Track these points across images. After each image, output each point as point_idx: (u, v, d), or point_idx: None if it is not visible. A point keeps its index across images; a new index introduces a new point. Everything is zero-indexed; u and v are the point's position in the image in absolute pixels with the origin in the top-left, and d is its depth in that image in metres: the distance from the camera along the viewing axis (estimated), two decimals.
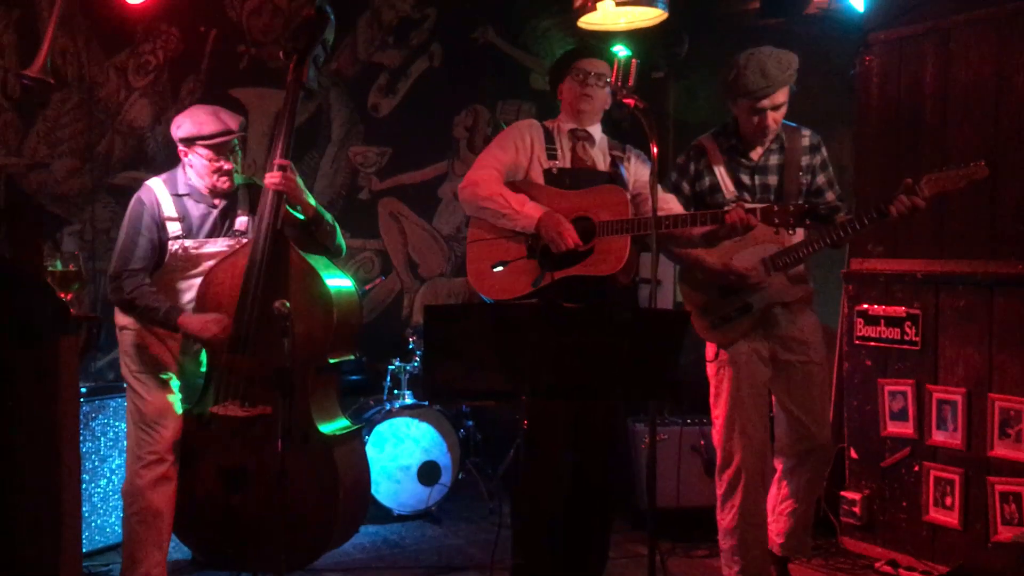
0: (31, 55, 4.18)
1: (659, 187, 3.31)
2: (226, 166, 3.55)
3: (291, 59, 3.65)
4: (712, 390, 3.64)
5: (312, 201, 3.63)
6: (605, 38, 5.04)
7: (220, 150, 3.52)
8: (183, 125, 3.53)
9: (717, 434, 3.62)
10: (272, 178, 3.53)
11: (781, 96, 3.43)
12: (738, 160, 3.58)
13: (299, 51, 3.63)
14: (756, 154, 3.58)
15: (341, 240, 3.79)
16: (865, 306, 4.32)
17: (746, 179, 3.57)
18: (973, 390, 3.95)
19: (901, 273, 4.17)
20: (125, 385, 3.65)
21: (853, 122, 4.49)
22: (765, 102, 3.41)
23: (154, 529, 3.50)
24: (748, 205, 3.22)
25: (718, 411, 3.60)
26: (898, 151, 4.22)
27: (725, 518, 3.60)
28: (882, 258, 4.28)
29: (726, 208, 3.26)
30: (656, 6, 4.76)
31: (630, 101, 3.07)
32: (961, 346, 4.00)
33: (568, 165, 3.60)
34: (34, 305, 2.85)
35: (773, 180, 3.57)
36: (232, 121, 3.55)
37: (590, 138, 3.67)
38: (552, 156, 3.59)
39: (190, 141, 3.51)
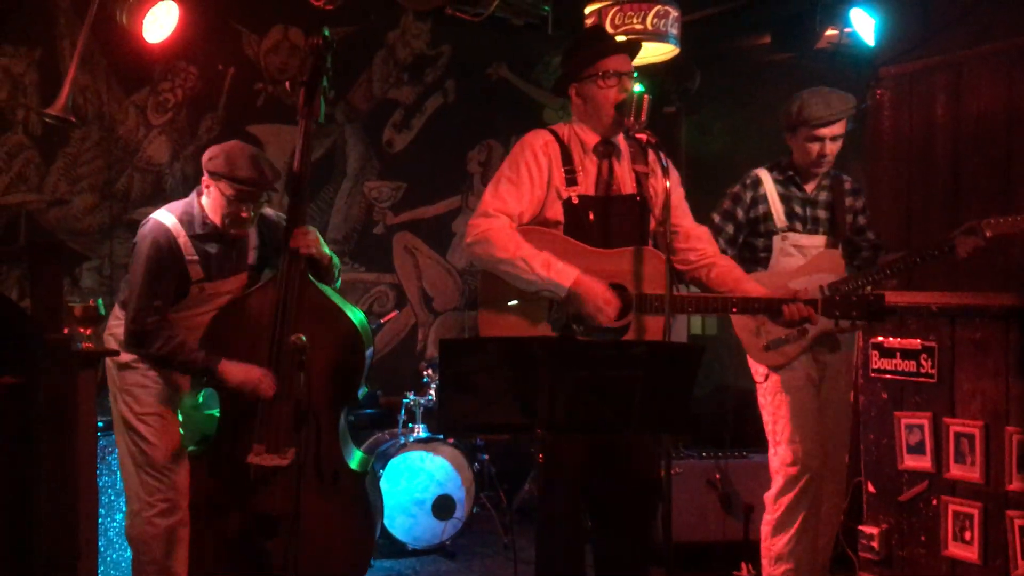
0: (52, 94, 4.27)
1: (690, 219, 3.30)
2: (244, 215, 3.37)
3: (299, 90, 3.51)
4: (769, 415, 3.76)
5: (327, 250, 3.53)
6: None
7: (245, 197, 3.35)
8: (217, 159, 3.33)
9: (778, 460, 3.72)
10: (301, 244, 3.38)
11: (840, 127, 3.67)
12: (792, 191, 3.78)
13: (306, 83, 3.50)
14: (809, 187, 3.80)
15: (339, 278, 3.71)
16: (880, 339, 4.30)
17: (798, 209, 3.77)
18: (991, 423, 3.92)
19: (916, 306, 4.15)
20: (123, 427, 3.48)
21: (865, 155, 4.51)
22: (826, 130, 3.63)
23: None
24: (807, 298, 3.07)
25: (778, 437, 3.72)
26: (910, 183, 4.24)
27: (777, 544, 3.68)
28: (896, 291, 4.27)
29: (785, 298, 3.08)
30: (667, 42, 4.82)
31: (643, 136, 3.09)
32: (978, 379, 3.98)
33: (591, 191, 3.12)
34: (52, 340, 2.88)
35: (823, 214, 3.79)
36: (269, 171, 3.37)
37: (618, 151, 3.19)
38: (572, 180, 3.10)
39: (218, 176, 3.33)
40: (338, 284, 3.69)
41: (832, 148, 3.69)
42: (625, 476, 3.11)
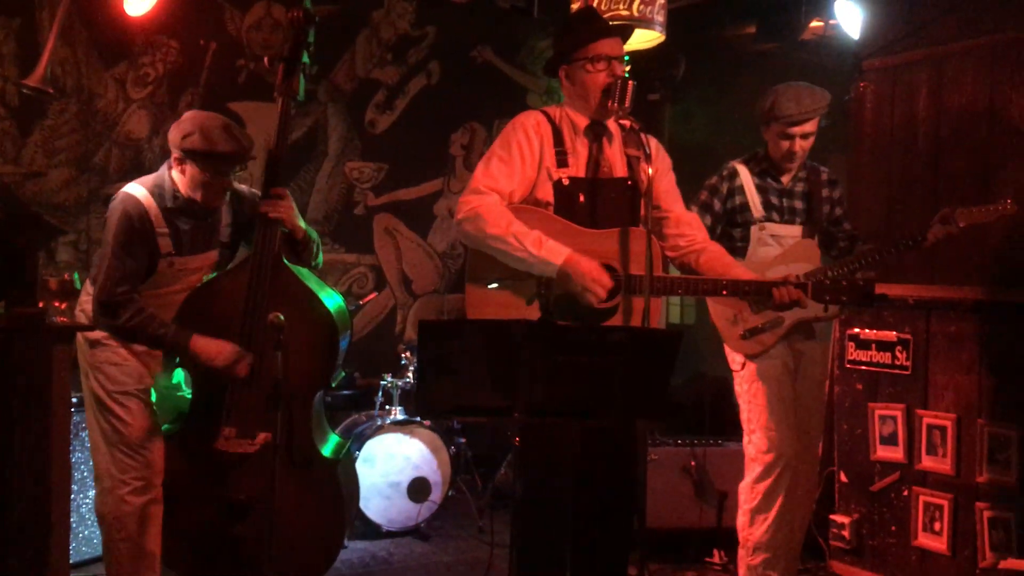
0: (30, 65, 4.20)
1: (680, 206, 3.30)
2: (225, 184, 3.35)
3: (277, 66, 3.43)
4: (745, 403, 3.80)
5: (303, 224, 3.47)
6: None
7: (224, 171, 3.34)
8: (192, 135, 3.26)
9: (753, 447, 3.75)
10: (270, 208, 3.33)
11: (811, 126, 3.72)
12: (768, 183, 3.83)
13: (285, 58, 3.40)
14: (785, 179, 3.84)
15: (321, 256, 3.66)
16: (856, 330, 4.34)
17: (775, 200, 3.82)
18: (963, 416, 3.97)
19: (892, 298, 4.19)
20: (94, 404, 3.43)
21: (848, 147, 4.53)
22: (796, 129, 3.69)
23: (146, 558, 3.38)
24: (797, 281, 3.08)
25: (753, 425, 3.75)
26: (891, 176, 4.26)
27: (755, 532, 3.72)
28: (874, 281, 4.30)
29: (776, 281, 3.10)
30: (653, 28, 4.81)
31: (626, 122, 3.09)
32: (951, 372, 4.02)
33: (582, 173, 3.11)
34: (27, 314, 2.85)
35: (799, 205, 3.84)
36: (244, 140, 3.34)
37: (608, 133, 3.17)
38: (562, 162, 3.09)
39: (195, 154, 3.27)
40: (320, 262, 3.65)
41: (803, 145, 3.74)
42: (604, 461, 3.11)
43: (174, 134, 3.33)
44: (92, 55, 4.85)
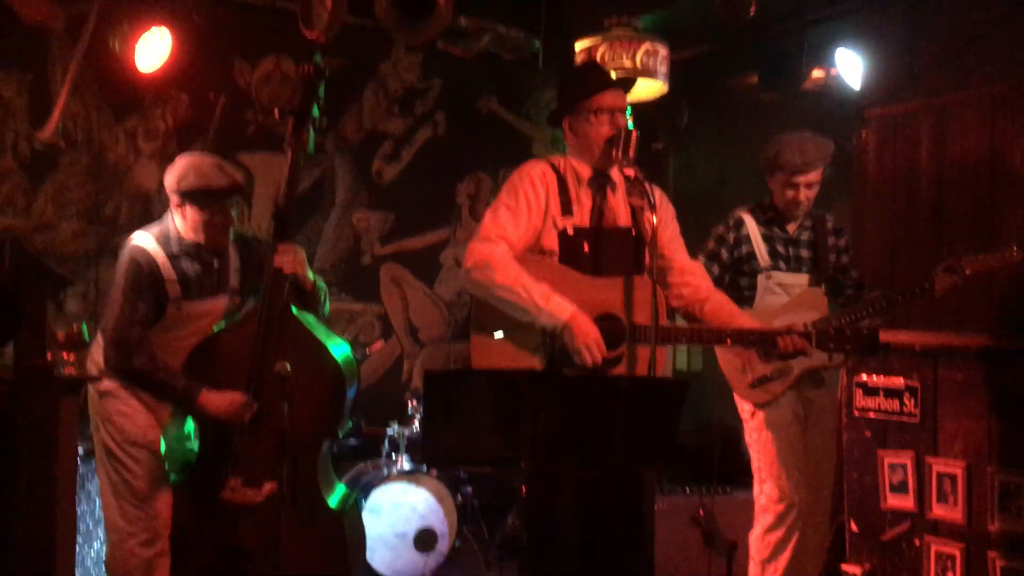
0: (42, 118, 4.28)
1: (685, 255, 3.31)
2: (226, 223, 3.41)
3: (287, 120, 3.48)
4: (755, 452, 3.80)
5: (311, 275, 3.51)
6: None
7: (224, 206, 3.38)
8: (187, 177, 3.33)
9: (765, 496, 3.75)
10: (285, 263, 3.35)
11: (815, 175, 3.74)
12: (774, 232, 3.86)
13: (295, 112, 3.46)
14: (791, 228, 3.87)
15: (328, 306, 3.67)
16: (864, 377, 4.31)
17: (781, 249, 3.84)
18: (973, 463, 3.93)
19: (899, 345, 4.18)
20: (104, 455, 3.45)
21: (850, 194, 4.56)
22: (801, 178, 3.72)
23: None
24: (802, 330, 3.09)
25: (764, 474, 3.75)
26: (895, 223, 4.28)
27: None
28: (880, 329, 4.29)
29: (779, 330, 3.10)
30: (656, 79, 4.88)
31: (630, 172, 3.11)
32: (960, 419, 3.99)
33: (586, 223, 3.13)
34: (35, 365, 2.86)
35: (806, 253, 3.86)
36: (238, 175, 3.42)
37: (612, 183, 3.19)
38: (567, 211, 3.12)
39: (192, 194, 3.33)
40: (327, 311, 3.67)
41: (807, 194, 3.77)
42: (612, 511, 3.08)
43: (169, 179, 3.39)
44: (103, 108, 4.93)
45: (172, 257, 3.40)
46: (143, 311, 3.33)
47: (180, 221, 3.43)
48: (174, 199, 3.40)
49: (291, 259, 3.38)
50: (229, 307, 3.55)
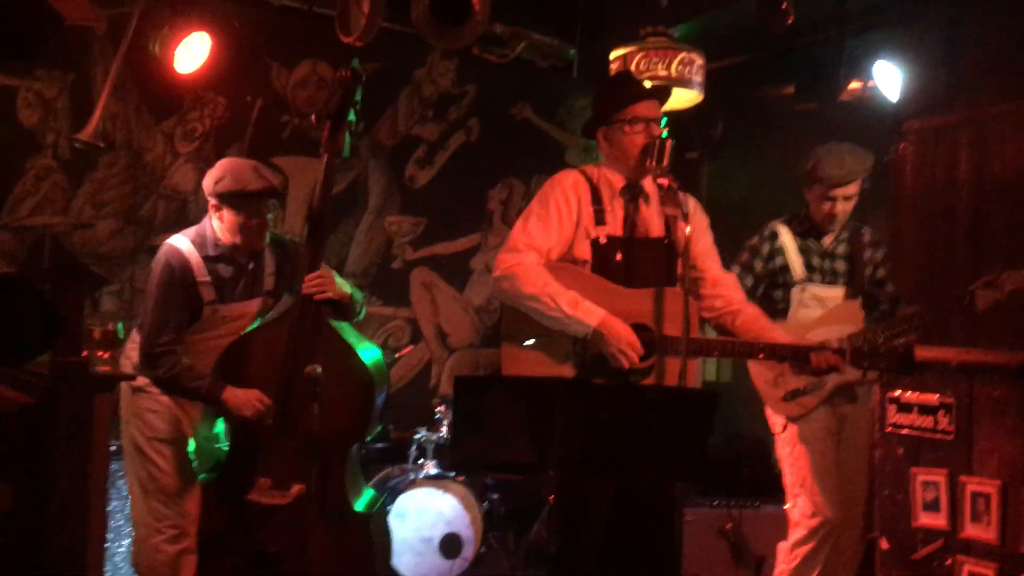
0: (83, 118, 4.33)
1: (718, 266, 3.29)
2: (261, 227, 3.45)
3: (324, 124, 3.52)
4: (787, 467, 3.77)
5: (347, 289, 3.52)
6: None
7: (261, 208, 3.42)
8: (223, 180, 3.38)
9: (797, 511, 3.72)
10: (316, 290, 3.36)
11: (853, 188, 3.71)
12: (810, 244, 3.82)
13: (332, 115, 3.50)
14: (827, 240, 3.84)
15: (363, 311, 3.71)
16: (898, 393, 4.26)
17: (816, 262, 3.81)
18: (1008, 482, 3.87)
19: (934, 361, 4.13)
20: (133, 451, 3.50)
21: (887, 208, 4.51)
22: (838, 191, 3.69)
23: None
24: (836, 347, 3.06)
25: (797, 488, 3.72)
26: (932, 237, 4.22)
27: None
28: (915, 345, 4.24)
29: (813, 346, 3.08)
30: (692, 88, 4.86)
31: (664, 181, 3.10)
32: (996, 437, 3.93)
33: (619, 232, 3.14)
34: (71, 363, 2.90)
35: (841, 267, 3.83)
36: (274, 178, 3.45)
37: (645, 194, 3.21)
38: (600, 220, 3.12)
39: (229, 196, 3.38)
40: (362, 315, 3.70)
41: (844, 207, 3.74)
42: (640, 521, 3.08)
43: (207, 182, 3.45)
44: (142, 110, 4.98)
45: (207, 259, 3.44)
46: (175, 317, 3.38)
47: (217, 224, 3.47)
48: (212, 201, 3.45)
49: (319, 285, 3.37)
50: (262, 309, 3.58)
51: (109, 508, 3.95)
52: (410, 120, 5.91)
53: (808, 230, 3.83)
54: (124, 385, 3.48)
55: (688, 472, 2.76)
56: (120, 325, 3.33)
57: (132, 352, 3.50)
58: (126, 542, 4.10)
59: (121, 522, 4.08)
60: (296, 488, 3.28)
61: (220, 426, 3.65)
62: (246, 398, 3.34)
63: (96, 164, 4.84)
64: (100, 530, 3.07)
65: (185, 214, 5.11)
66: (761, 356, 3.09)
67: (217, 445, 3.65)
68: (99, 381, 3.03)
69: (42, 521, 2.77)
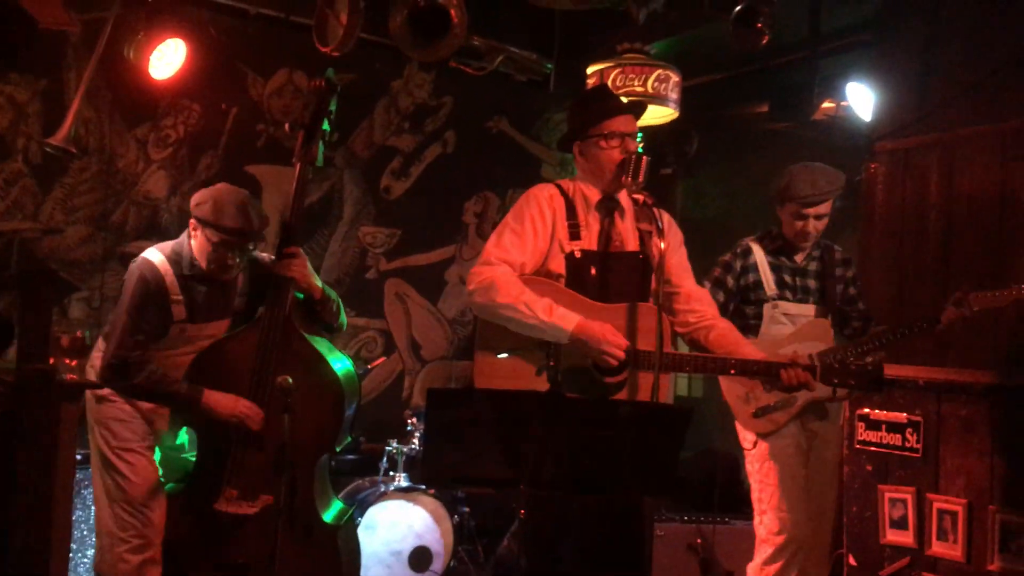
0: (55, 123, 4.29)
1: (692, 281, 3.30)
2: (228, 261, 3.40)
3: (297, 133, 3.51)
4: (756, 483, 3.78)
5: (319, 283, 3.53)
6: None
7: (230, 245, 3.37)
8: (204, 205, 3.36)
9: (764, 528, 3.73)
10: (283, 267, 3.39)
11: (825, 207, 3.74)
12: (782, 261, 3.85)
13: (306, 125, 3.49)
14: (799, 258, 3.86)
15: (344, 318, 3.69)
16: (867, 410, 4.30)
17: (788, 279, 3.83)
18: (974, 501, 3.90)
19: (903, 379, 4.17)
20: (99, 460, 3.46)
21: (858, 226, 4.56)
22: (811, 209, 3.71)
23: None
24: (805, 363, 3.05)
25: (765, 505, 3.72)
26: (902, 257, 4.27)
27: None
28: (884, 363, 4.28)
29: (784, 363, 3.06)
30: (667, 105, 4.90)
31: (640, 197, 3.11)
32: (963, 456, 3.97)
33: (594, 246, 3.12)
34: (38, 370, 2.86)
35: (812, 284, 3.85)
36: (255, 221, 3.40)
37: (620, 208, 3.19)
38: (575, 235, 3.11)
39: (204, 223, 3.36)
40: (343, 322, 3.67)
41: (816, 226, 3.77)
42: (610, 536, 3.07)
43: (194, 199, 3.43)
44: (116, 116, 4.94)
45: (181, 277, 3.42)
46: (146, 329, 3.35)
47: (194, 243, 3.44)
48: (192, 220, 3.42)
49: (289, 263, 3.39)
50: (231, 329, 3.54)
51: (74, 518, 3.91)
52: (386, 131, 5.90)
53: (780, 248, 3.87)
54: (89, 393, 3.45)
55: (659, 487, 2.75)
56: (88, 333, 3.30)
57: (97, 360, 3.46)
58: (90, 552, 4.04)
59: (85, 532, 4.03)
60: (264, 499, 3.25)
61: (182, 437, 3.61)
62: (231, 403, 3.30)
63: (67, 169, 4.80)
64: (64, 539, 3.02)
65: (156, 221, 5.07)
66: (733, 372, 3.10)
67: (185, 455, 3.61)
68: (66, 389, 2.99)
69: (6, 529, 2.72)
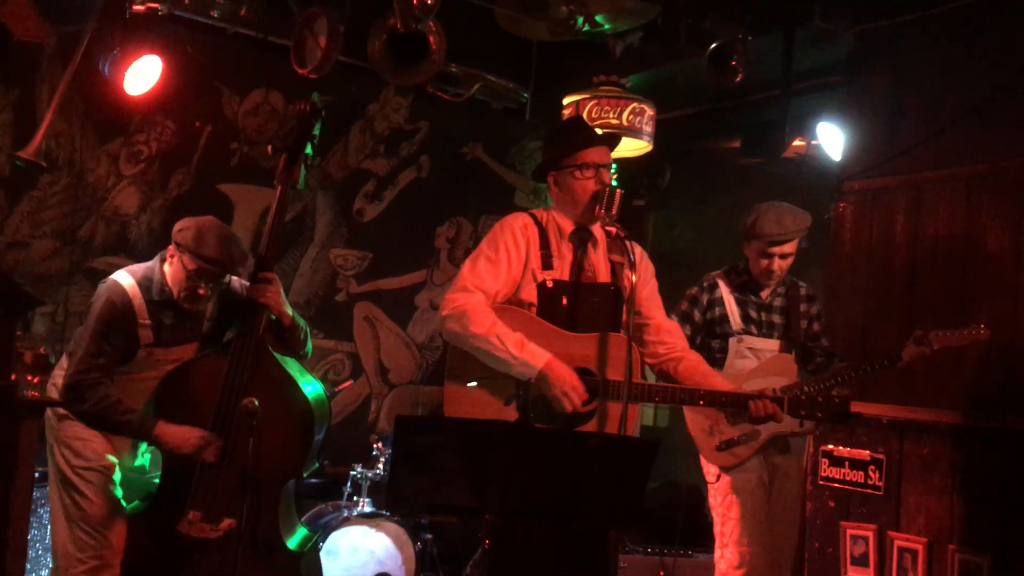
0: (25, 136, 4.25)
1: (662, 313, 3.32)
2: (201, 292, 3.36)
3: (280, 156, 3.51)
4: (718, 516, 3.80)
5: (290, 311, 3.49)
6: None
7: (205, 276, 3.34)
8: (187, 231, 3.34)
9: (724, 562, 3.73)
10: (258, 293, 3.37)
11: (791, 246, 3.81)
12: (748, 296, 3.91)
13: (288, 148, 3.48)
14: (764, 293, 3.92)
15: (310, 346, 3.67)
16: (830, 447, 4.34)
17: (753, 314, 3.89)
18: (934, 540, 3.94)
19: (867, 417, 4.21)
20: (57, 479, 3.39)
21: (825, 264, 4.61)
22: (776, 248, 3.78)
23: None
24: (773, 395, 3.07)
25: (726, 539, 3.74)
26: (868, 296, 4.33)
27: None
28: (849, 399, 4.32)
29: (752, 394, 3.09)
30: (641, 138, 4.95)
31: (612, 229, 3.14)
32: (924, 494, 4.01)
33: (566, 276, 3.15)
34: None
35: (777, 319, 3.91)
36: (237, 258, 3.38)
37: (593, 239, 3.22)
38: (547, 264, 3.13)
39: (182, 248, 3.33)
40: (309, 350, 3.65)
41: (782, 264, 3.83)
42: (575, 567, 3.06)
43: (177, 225, 3.40)
44: (88, 130, 4.90)
45: (150, 303, 3.38)
46: (108, 353, 3.31)
47: (168, 268, 3.41)
48: (171, 246, 3.39)
49: (265, 289, 3.37)
50: (199, 351, 3.50)
51: (29, 537, 3.83)
52: (361, 154, 5.90)
53: (746, 283, 3.91)
54: (50, 412, 3.38)
55: (625, 519, 2.76)
56: (50, 349, 3.25)
57: (59, 379, 3.41)
58: (44, 573, 3.96)
59: (40, 552, 3.95)
60: (227, 522, 3.21)
61: (143, 459, 3.56)
62: (181, 436, 3.26)
63: (36, 182, 4.74)
64: (20, 559, 2.96)
65: (125, 237, 5.02)
66: (701, 403, 3.12)
67: (148, 476, 3.56)
68: (27, 406, 2.95)
69: None
